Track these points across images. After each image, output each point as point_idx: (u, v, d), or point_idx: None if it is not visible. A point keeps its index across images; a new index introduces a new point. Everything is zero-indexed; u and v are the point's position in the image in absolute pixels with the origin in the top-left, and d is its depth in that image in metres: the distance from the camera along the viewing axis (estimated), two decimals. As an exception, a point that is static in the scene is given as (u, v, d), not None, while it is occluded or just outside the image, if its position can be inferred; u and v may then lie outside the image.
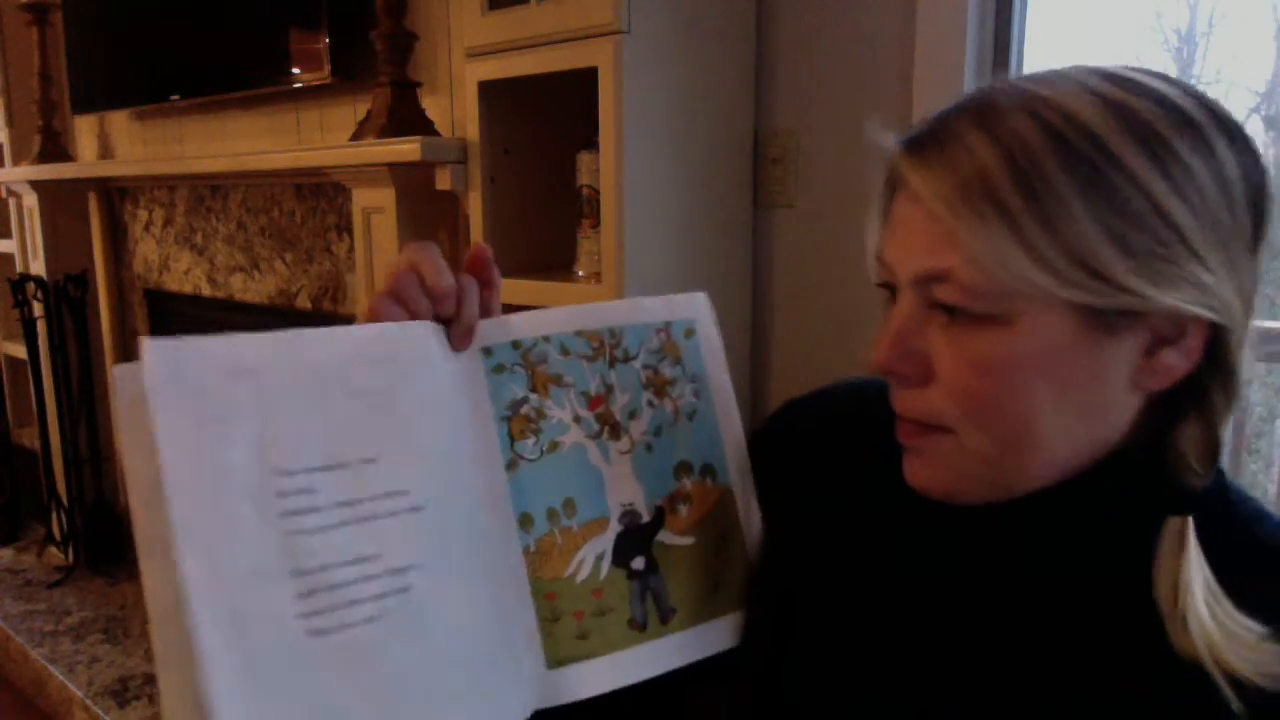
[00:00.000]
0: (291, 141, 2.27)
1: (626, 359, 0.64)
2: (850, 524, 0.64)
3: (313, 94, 2.15)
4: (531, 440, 0.60)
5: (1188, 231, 0.48)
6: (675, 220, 1.44)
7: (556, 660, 0.59)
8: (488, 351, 0.60)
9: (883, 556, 0.61)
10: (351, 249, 2.05)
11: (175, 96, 2.39)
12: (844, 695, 0.59)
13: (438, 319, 0.58)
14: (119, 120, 2.83)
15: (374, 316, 0.56)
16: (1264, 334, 0.54)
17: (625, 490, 0.62)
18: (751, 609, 0.66)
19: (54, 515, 2.89)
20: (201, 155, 2.46)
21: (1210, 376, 0.51)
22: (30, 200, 2.85)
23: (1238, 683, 0.49)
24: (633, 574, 0.62)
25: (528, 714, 0.57)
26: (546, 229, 1.63)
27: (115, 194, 2.87)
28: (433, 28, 1.86)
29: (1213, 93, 0.51)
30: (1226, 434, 0.54)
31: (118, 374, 0.50)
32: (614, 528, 0.62)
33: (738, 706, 0.65)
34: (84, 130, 2.99)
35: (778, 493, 0.68)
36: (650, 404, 0.64)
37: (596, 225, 1.45)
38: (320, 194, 2.16)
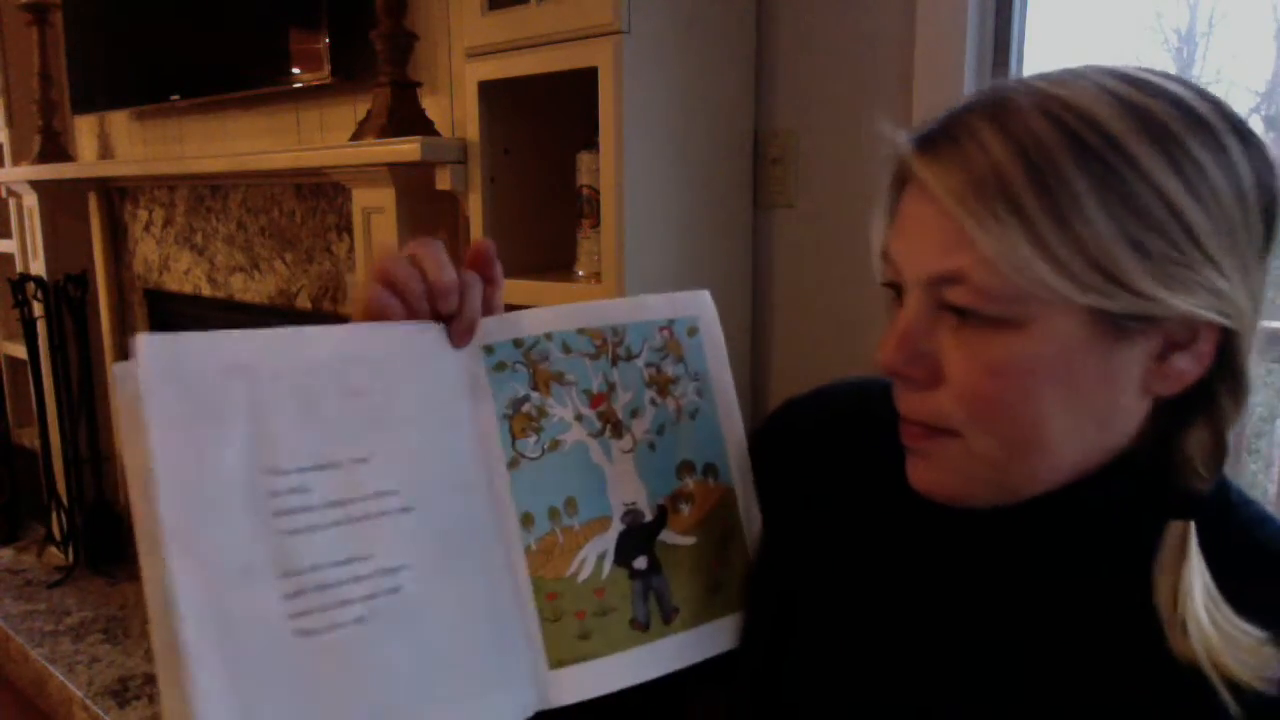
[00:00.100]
0: (291, 141, 2.26)
1: (629, 357, 0.63)
2: (850, 524, 0.63)
3: (313, 94, 2.15)
4: (533, 439, 0.60)
5: (1202, 235, 0.47)
6: (675, 220, 1.44)
7: (558, 660, 0.58)
8: (489, 349, 0.59)
9: (883, 557, 0.61)
10: (351, 249, 2.05)
11: (175, 96, 2.39)
12: (844, 696, 0.59)
13: (438, 316, 0.57)
14: (119, 120, 2.83)
15: (370, 308, 0.56)
16: (1267, 335, 0.54)
17: (627, 489, 0.62)
18: (751, 609, 0.65)
19: (54, 515, 2.88)
20: (201, 155, 2.46)
21: (1219, 380, 0.51)
22: (30, 200, 2.85)
23: (1236, 687, 0.48)
24: (635, 573, 0.61)
25: (528, 714, 0.57)
26: (546, 229, 1.63)
27: (115, 194, 2.87)
28: (433, 28, 1.86)
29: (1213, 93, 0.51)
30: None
31: (118, 371, 0.50)
32: (616, 527, 0.61)
33: (737, 707, 0.65)
34: (84, 130, 2.99)
35: (777, 492, 0.67)
36: (653, 402, 0.64)
37: (596, 225, 1.45)
38: (320, 194, 2.16)
